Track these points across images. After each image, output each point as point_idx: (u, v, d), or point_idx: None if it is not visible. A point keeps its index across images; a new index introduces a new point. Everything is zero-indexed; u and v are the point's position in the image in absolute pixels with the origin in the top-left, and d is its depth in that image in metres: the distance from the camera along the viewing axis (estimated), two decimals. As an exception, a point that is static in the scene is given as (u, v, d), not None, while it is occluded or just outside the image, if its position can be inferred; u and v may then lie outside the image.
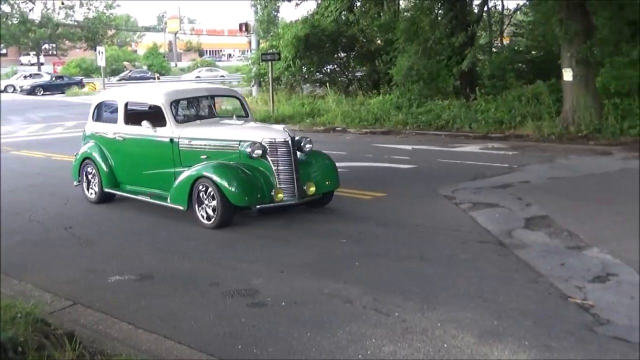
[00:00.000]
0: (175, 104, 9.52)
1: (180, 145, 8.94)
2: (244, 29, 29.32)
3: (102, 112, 10.52)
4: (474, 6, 22.42)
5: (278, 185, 8.36)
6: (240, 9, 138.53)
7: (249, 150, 8.35)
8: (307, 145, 8.97)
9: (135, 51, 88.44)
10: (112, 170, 9.94)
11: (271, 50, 24.90)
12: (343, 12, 25.26)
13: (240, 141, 8.54)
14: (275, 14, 31.72)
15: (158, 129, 9.10)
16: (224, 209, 8.17)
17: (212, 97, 10.43)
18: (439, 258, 6.84)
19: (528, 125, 16.05)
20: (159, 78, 56.26)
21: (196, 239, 8.02)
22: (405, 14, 24.39)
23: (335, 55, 26.39)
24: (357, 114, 20.35)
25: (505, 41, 26.52)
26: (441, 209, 8.95)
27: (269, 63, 23.06)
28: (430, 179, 11.00)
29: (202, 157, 8.71)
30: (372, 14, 25.27)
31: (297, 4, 27.85)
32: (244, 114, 10.14)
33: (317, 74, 26.43)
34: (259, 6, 29.91)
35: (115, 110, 9.95)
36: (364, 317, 5.35)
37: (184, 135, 8.97)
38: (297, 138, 8.89)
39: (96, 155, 10.06)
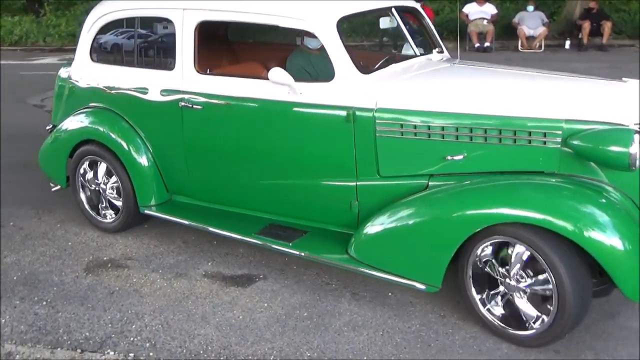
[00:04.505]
0: (342, 27, 3.94)
1: (378, 128, 3.72)
2: None
3: (123, 42, 5.02)
4: None
5: None
6: None
7: (628, 150, 3.08)
8: None
9: None
10: (161, 173, 4.70)
11: None
12: None
13: (565, 121, 3.32)
14: None
15: (305, 85, 3.89)
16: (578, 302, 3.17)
17: (396, 12, 4.58)
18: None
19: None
20: None
21: None
22: None
23: None
24: None
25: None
26: (34, 117, 8.87)
27: None
28: (18, 91, 10.88)
29: (447, 157, 3.58)
30: None
31: None
32: (435, 45, 4.72)
33: None
34: None
35: (164, 41, 4.63)
36: (-30, 234, 4.96)
37: (390, 103, 3.73)
38: None
39: (118, 139, 4.70)
